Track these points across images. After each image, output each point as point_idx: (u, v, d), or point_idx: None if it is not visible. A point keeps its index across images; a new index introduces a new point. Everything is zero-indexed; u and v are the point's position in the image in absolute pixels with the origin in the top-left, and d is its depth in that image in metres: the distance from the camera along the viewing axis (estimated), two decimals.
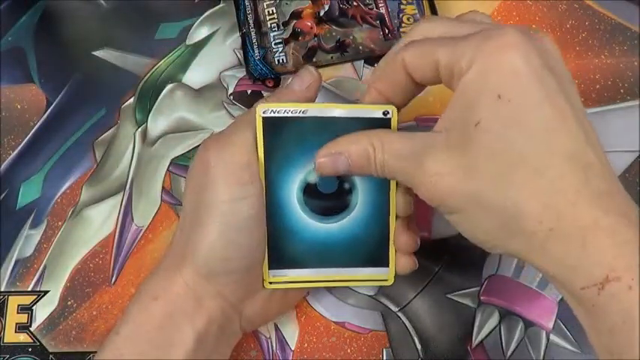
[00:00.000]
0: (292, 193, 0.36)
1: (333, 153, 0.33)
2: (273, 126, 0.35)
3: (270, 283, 0.37)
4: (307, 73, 0.36)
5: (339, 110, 0.35)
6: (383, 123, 0.35)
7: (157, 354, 0.34)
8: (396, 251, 0.37)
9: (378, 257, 0.37)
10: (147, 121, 0.46)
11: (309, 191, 0.36)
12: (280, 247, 0.37)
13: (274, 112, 0.35)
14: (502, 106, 0.27)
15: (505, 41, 0.27)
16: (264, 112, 0.35)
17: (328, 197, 0.36)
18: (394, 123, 0.35)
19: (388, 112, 0.34)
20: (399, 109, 0.35)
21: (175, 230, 0.37)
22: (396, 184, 0.36)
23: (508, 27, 0.28)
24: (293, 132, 0.35)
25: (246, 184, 0.34)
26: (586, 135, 0.27)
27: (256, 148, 0.35)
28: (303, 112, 0.35)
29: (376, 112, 0.34)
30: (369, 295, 0.43)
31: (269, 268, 0.36)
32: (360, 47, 0.46)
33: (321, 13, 0.47)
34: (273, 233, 0.36)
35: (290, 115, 0.35)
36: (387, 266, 0.37)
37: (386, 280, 0.37)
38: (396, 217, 0.36)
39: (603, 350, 0.26)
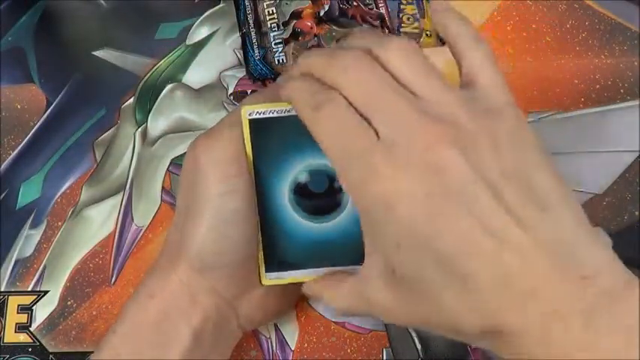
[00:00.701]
0: (283, 194, 0.36)
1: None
2: (260, 127, 0.35)
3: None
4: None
5: None
6: None
7: (154, 353, 0.34)
8: None
9: None
10: (147, 121, 0.46)
11: (300, 191, 0.36)
12: (275, 249, 0.37)
13: (259, 114, 0.35)
14: (405, 251, 0.27)
15: (385, 179, 0.26)
16: (249, 115, 0.35)
17: (320, 196, 0.36)
18: None
19: None
20: None
21: (170, 228, 0.37)
22: None
23: (392, 152, 0.27)
24: (280, 132, 0.35)
25: (234, 178, 0.34)
26: (500, 239, 0.26)
27: (244, 143, 0.35)
28: (288, 111, 0.35)
29: None
30: None
31: (265, 271, 0.37)
32: None
33: (321, 13, 0.47)
34: (268, 236, 0.36)
35: (275, 115, 0.35)
36: None
37: None
38: None
39: None
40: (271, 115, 0.35)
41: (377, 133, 0.27)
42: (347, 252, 0.37)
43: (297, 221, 0.36)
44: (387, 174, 0.26)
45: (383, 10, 0.47)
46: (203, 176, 0.34)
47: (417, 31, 0.47)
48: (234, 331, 0.37)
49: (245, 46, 0.47)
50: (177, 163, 0.45)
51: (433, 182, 0.26)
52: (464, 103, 0.27)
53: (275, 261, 0.37)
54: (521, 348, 0.26)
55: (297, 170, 0.36)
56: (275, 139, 0.35)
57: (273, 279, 0.37)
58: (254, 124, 0.35)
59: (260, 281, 0.37)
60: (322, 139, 0.29)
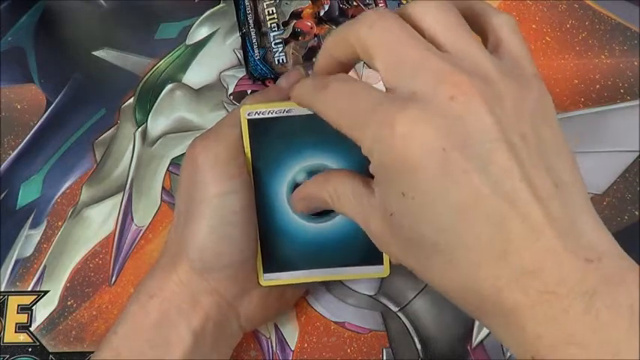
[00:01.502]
0: (282, 194, 0.36)
1: (302, 198, 0.34)
2: (259, 127, 0.35)
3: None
4: (295, 72, 0.37)
5: None
6: None
7: (155, 353, 0.34)
8: None
9: (372, 255, 0.37)
10: (147, 121, 0.46)
11: None
12: (273, 250, 0.37)
13: (259, 114, 0.35)
14: (408, 202, 0.26)
15: (402, 130, 0.25)
16: (248, 114, 0.35)
17: None
18: None
19: None
20: None
21: (170, 229, 0.37)
22: None
23: (410, 102, 0.25)
24: (279, 132, 0.35)
25: (234, 179, 0.34)
26: (510, 204, 0.25)
27: (243, 144, 0.35)
28: (287, 112, 0.35)
29: None
30: (369, 295, 0.43)
31: (263, 272, 0.37)
32: None
33: (321, 13, 0.47)
34: (265, 236, 0.36)
35: (275, 115, 0.35)
36: (382, 264, 0.37)
37: (382, 273, 0.37)
38: None
39: None
40: (271, 115, 0.35)
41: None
42: (344, 253, 0.37)
43: (294, 221, 0.36)
44: (403, 126, 0.25)
45: None
46: (202, 177, 0.34)
47: None
48: (234, 332, 0.37)
49: (245, 46, 0.47)
50: (177, 163, 0.45)
51: (453, 134, 0.25)
52: (495, 63, 0.26)
53: (273, 262, 0.37)
54: (515, 325, 0.25)
55: (295, 171, 0.36)
56: (274, 139, 0.35)
57: (271, 280, 0.37)
58: (253, 124, 0.35)
59: (258, 282, 0.37)
60: (330, 111, 0.28)
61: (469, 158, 0.25)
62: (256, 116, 0.35)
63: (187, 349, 0.34)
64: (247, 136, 0.35)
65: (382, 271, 0.37)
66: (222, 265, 0.35)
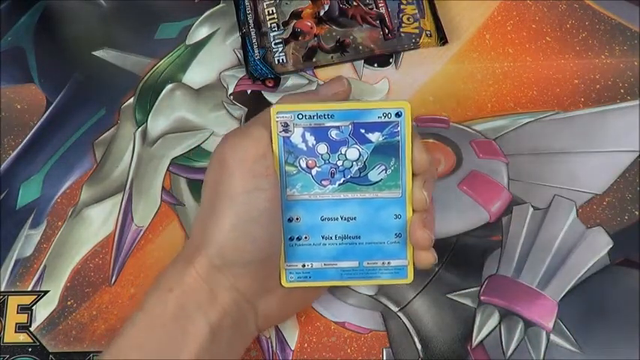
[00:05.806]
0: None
1: None
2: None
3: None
4: (338, 82, 0.38)
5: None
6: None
7: (172, 345, 0.33)
8: (413, 248, 0.37)
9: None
10: (147, 121, 0.46)
11: None
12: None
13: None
14: None
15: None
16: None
17: None
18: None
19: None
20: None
21: (193, 222, 0.37)
22: (412, 175, 0.36)
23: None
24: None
25: (261, 177, 0.34)
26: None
27: (272, 143, 0.35)
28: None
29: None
30: (369, 295, 0.43)
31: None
32: (360, 47, 0.46)
33: (321, 13, 0.47)
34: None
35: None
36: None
37: (406, 279, 0.37)
38: (413, 211, 0.36)
39: None
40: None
41: None
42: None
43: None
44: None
45: (383, 10, 0.47)
46: (229, 174, 0.34)
47: (417, 31, 0.47)
48: (251, 330, 0.37)
49: (245, 46, 0.47)
50: (177, 163, 0.45)
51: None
52: None
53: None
54: None
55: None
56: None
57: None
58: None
59: (280, 282, 0.37)
60: None
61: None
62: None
63: (204, 343, 0.34)
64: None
65: (406, 276, 0.37)
66: (242, 262, 0.35)
